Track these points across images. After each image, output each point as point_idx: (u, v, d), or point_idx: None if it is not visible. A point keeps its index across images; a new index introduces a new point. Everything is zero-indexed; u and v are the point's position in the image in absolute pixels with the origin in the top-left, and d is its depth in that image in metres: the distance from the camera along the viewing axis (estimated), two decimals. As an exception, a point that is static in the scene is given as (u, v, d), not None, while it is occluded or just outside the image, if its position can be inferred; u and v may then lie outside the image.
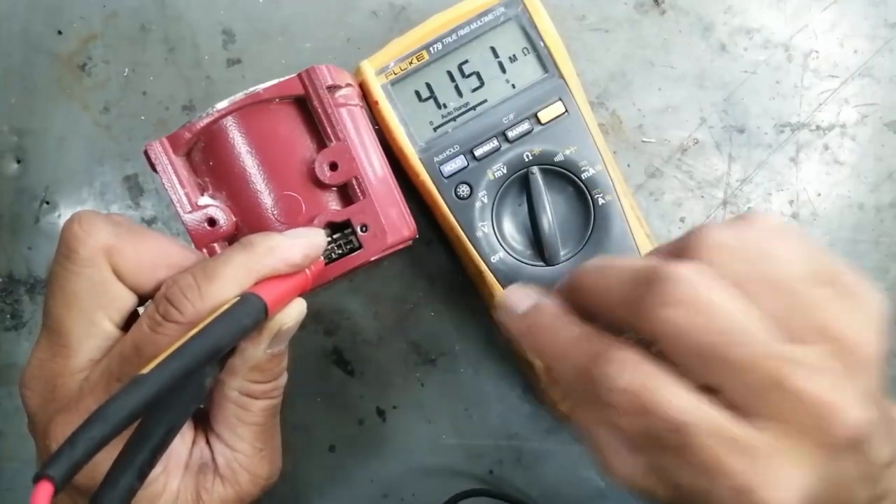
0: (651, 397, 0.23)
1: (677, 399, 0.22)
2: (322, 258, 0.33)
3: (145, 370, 0.23)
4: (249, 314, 0.26)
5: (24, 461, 0.46)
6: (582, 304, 0.27)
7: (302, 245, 0.30)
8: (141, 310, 0.30)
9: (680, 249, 0.25)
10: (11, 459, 0.46)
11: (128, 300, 0.29)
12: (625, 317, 0.25)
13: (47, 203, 0.46)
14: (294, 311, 0.30)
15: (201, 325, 0.25)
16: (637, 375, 0.23)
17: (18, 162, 0.46)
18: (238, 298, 0.27)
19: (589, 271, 0.27)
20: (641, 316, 0.24)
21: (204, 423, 0.32)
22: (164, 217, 0.45)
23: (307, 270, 0.30)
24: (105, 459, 0.24)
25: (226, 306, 0.26)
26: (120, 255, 0.29)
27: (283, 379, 0.32)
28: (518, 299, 0.29)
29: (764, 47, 0.43)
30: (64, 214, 0.46)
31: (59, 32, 0.45)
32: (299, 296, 0.30)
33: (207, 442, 0.31)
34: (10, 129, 0.46)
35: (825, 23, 0.43)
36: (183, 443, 0.31)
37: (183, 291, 0.27)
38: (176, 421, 0.26)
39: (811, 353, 0.22)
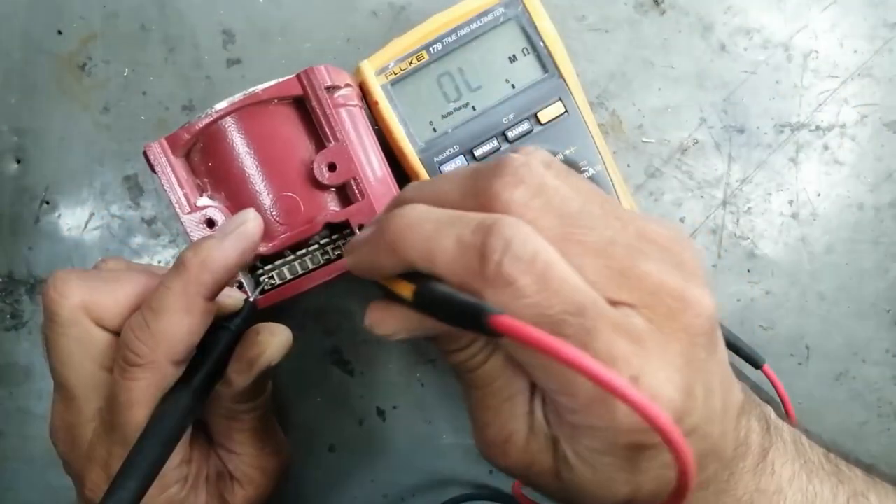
0: (553, 270, 0.20)
1: (574, 277, 0.20)
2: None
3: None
4: (177, 411, 0.28)
5: (24, 461, 0.46)
6: None
7: (233, 242, 0.29)
8: None
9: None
10: (11, 459, 0.46)
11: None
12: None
13: (47, 203, 0.46)
14: (279, 347, 0.32)
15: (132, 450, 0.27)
16: (534, 242, 0.20)
17: (18, 162, 0.46)
18: (163, 399, 0.28)
19: (416, 186, 0.26)
20: (490, 204, 0.22)
21: (211, 438, 0.34)
22: (164, 217, 0.45)
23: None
24: None
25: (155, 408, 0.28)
26: (98, 307, 0.30)
27: (268, 391, 0.35)
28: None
29: (764, 47, 0.43)
30: (64, 214, 0.46)
31: (59, 32, 0.45)
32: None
33: (218, 454, 0.34)
34: (10, 129, 0.46)
35: (825, 23, 0.43)
36: (202, 458, 0.33)
37: (135, 334, 0.28)
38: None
39: (652, 249, 0.22)
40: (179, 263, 0.29)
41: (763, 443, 0.26)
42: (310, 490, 0.45)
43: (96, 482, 0.29)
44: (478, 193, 0.22)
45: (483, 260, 0.20)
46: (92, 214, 0.46)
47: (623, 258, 0.21)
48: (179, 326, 0.28)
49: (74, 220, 0.46)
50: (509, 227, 0.20)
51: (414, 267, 0.22)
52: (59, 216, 0.46)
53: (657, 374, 0.20)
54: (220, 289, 0.29)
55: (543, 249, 0.20)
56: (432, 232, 0.21)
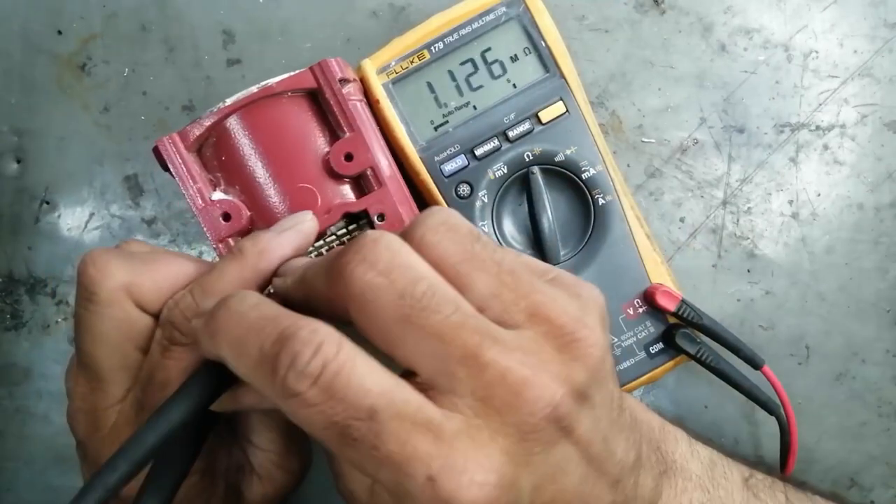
0: (341, 379, 0.20)
1: (368, 379, 0.20)
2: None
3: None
4: (201, 389, 0.26)
5: (24, 461, 0.46)
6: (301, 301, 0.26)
7: (291, 238, 0.30)
8: None
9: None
10: (11, 459, 0.46)
11: (154, 327, 0.30)
12: (328, 293, 0.23)
13: (47, 203, 0.46)
14: None
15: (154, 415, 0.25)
16: (324, 354, 0.20)
17: (18, 162, 0.46)
18: (195, 371, 0.26)
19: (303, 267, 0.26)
20: (338, 282, 0.22)
21: (236, 430, 0.33)
22: (165, 217, 0.45)
23: None
24: None
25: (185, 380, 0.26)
26: (139, 288, 0.29)
27: None
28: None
29: (764, 47, 0.43)
30: (64, 214, 0.46)
31: (59, 32, 0.45)
32: None
33: (242, 446, 0.33)
34: (10, 129, 0.46)
35: (825, 23, 0.43)
36: (222, 450, 0.33)
37: (184, 313, 0.28)
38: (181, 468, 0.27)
39: (514, 332, 0.21)
40: (237, 251, 0.29)
41: (653, 494, 0.26)
42: (310, 490, 0.45)
43: None
44: (331, 274, 0.22)
45: (273, 373, 0.21)
46: (92, 214, 0.46)
47: (466, 345, 0.20)
48: None
49: (74, 220, 0.46)
50: (300, 342, 0.20)
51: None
52: (59, 216, 0.46)
53: (460, 474, 0.20)
54: (269, 282, 0.29)
55: (335, 358, 0.20)
56: (242, 336, 0.22)
